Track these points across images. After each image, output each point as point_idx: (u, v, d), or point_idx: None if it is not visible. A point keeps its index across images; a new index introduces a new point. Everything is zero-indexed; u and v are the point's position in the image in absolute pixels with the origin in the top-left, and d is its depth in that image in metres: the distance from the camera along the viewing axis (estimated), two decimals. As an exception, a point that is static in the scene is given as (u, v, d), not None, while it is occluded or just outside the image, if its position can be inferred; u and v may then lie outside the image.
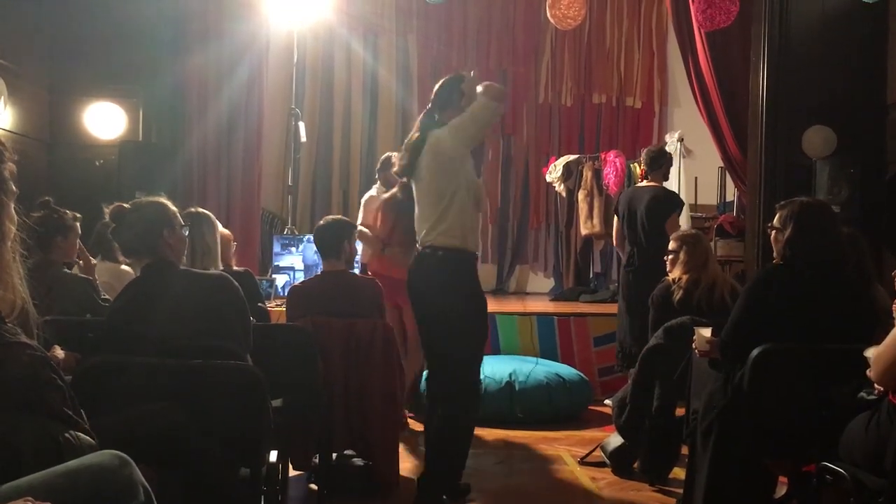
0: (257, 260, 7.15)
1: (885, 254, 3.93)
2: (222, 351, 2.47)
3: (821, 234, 2.89)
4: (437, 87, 3.58)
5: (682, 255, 4.03)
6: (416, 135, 3.51)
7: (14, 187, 1.64)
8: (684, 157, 7.67)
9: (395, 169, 3.85)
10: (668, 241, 4.23)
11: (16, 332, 1.55)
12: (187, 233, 2.76)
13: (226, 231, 3.89)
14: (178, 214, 2.69)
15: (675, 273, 4.05)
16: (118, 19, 6.21)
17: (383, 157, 5.81)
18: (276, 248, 6.72)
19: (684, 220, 7.44)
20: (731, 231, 7.10)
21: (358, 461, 3.87)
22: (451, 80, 3.58)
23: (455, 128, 3.40)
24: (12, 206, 1.64)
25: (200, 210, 3.63)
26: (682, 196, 7.52)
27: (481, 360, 3.59)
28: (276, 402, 3.00)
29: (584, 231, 8.19)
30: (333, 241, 3.94)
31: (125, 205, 2.62)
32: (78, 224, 3.64)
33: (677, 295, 3.93)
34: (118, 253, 2.83)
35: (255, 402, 2.38)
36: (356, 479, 3.78)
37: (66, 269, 3.61)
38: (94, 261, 4.00)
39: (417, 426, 4.97)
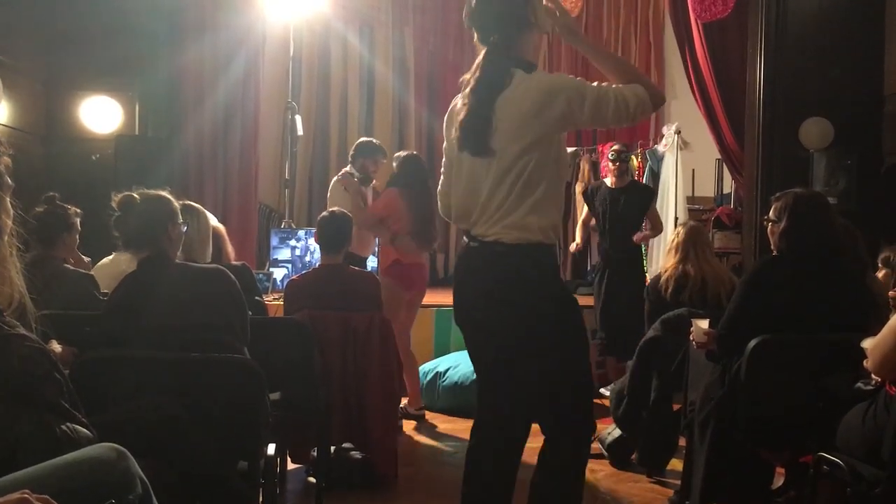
0: (254, 254, 7.14)
1: (881, 245, 3.92)
2: (220, 344, 2.47)
3: (816, 225, 2.89)
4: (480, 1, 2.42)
5: (675, 247, 4.04)
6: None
7: (10, 181, 1.64)
8: (681, 149, 7.65)
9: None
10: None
11: (14, 325, 1.55)
12: (185, 228, 2.77)
13: (220, 225, 3.88)
14: (178, 210, 2.70)
15: (667, 264, 4.06)
16: (113, 12, 6.18)
17: (360, 141, 5.75)
18: (274, 241, 6.71)
19: (682, 212, 7.46)
20: (729, 223, 7.10)
21: (356, 454, 3.87)
22: None
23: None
24: (8, 200, 1.64)
25: (191, 202, 3.62)
26: (680, 188, 7.56)
27: None
28: (274, 396, 3.00)
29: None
30: (338, 236, 3.95)
31: (134, 194, 2.63)
32: (78, 220, 3.65)
33: (669, 286, 3.94)
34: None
35: (253, 395, 2.39)
36: (354, 472, 3.78)
37: (66, 265, 3.61)
38: (85, 258, 4.00)
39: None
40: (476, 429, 2.54)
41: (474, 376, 5.40)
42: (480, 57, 2.41)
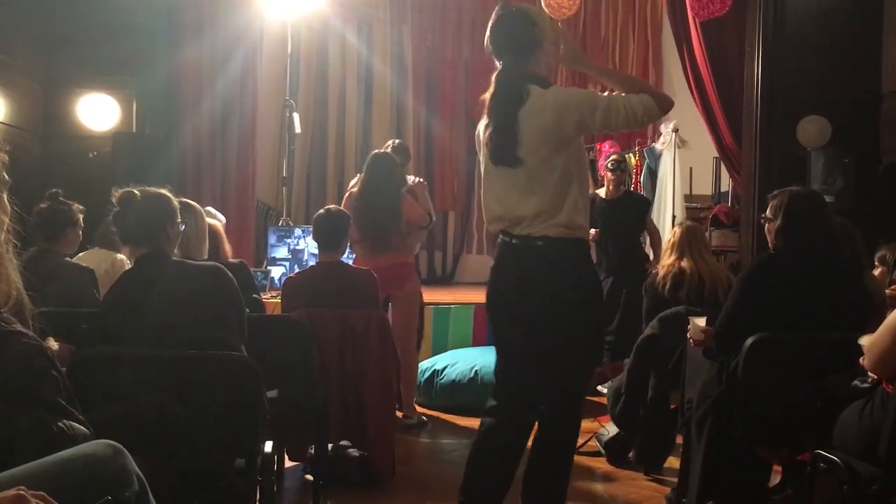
0: (252, 251, 7.14)
1: (879, 243, 3.93)
2: (217, 341, 2.47)
3: (811, 223, 2.89)
4: (494, 26, 2.69)
5: (671, 246, 4.05)
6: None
7: (6, 177, 1.64)
8: (679, 147, 7.65)
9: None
10: None
11: (11, 322, 1.55)
12: (183, 227, 2.77)
13: (217, 223, 3.87)
14: (178, 209, 2.70)
15: (664, 262, 4.06)
16: (111, 10, 6.17)
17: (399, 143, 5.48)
18: (272, 239, 6.71)
19: (679, 211, 7.46)
20: (726, 221, 7.11)
21: (354, 452, 3.87)
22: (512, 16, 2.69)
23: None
24: (5, 197, 1.64)
25: (188, 200, 3.62)
26: (677, 186, 7.56)
27: None
28: (272, 393, 3.00)
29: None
30: (335, 234, 3.95)
31: (135, 191, 2.63)
32: (81, 217, 3.66)
33: (667, 283, 3.94)
34: (116, 241, 2.84)
35: (250, 392, 2.39)
36: (352, 470, 3.78)
37: (67, 259, 3.61)
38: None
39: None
40: (490, 415, 2.69)
41: (471, 374, 5.39)
42: (495, 74, 2.68)
